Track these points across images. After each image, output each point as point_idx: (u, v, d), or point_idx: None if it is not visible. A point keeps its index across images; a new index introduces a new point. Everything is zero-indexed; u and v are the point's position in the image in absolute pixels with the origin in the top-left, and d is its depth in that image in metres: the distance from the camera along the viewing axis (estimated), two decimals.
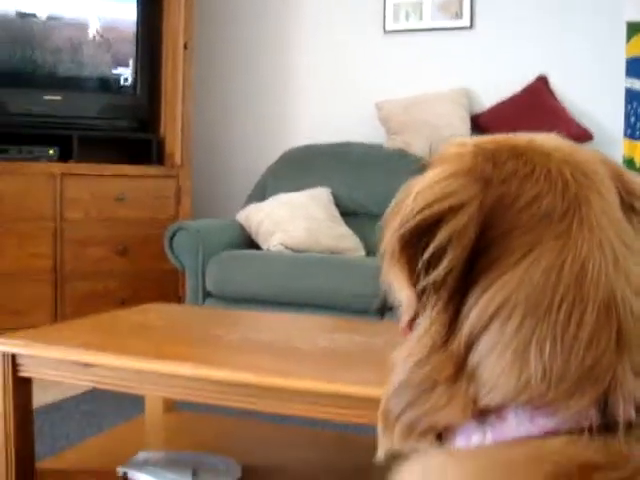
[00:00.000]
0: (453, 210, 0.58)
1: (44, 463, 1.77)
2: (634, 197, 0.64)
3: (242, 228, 3.60)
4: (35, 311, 3.56)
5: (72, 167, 3.65)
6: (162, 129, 3.93)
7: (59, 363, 1.58)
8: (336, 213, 3.64)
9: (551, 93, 3.67)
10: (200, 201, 4.25)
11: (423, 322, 0.61)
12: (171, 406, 2.14)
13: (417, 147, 3.72)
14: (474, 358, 0.57)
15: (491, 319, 0.57)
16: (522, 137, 0.65)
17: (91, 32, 3.75)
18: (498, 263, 0.58)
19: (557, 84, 3.68)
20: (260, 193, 3.88)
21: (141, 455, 1.74)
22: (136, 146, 3.94)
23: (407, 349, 0.62)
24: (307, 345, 1.72)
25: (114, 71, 3.83)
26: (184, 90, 3.88)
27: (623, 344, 0.56)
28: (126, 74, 3.85)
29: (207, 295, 3.33)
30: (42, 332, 1.79)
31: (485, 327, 0.57)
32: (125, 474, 1.66)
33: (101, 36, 3.77)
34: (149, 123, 3.96)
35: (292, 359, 1.58)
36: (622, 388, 0.55)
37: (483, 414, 0.57)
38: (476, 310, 0.58)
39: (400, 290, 0.62)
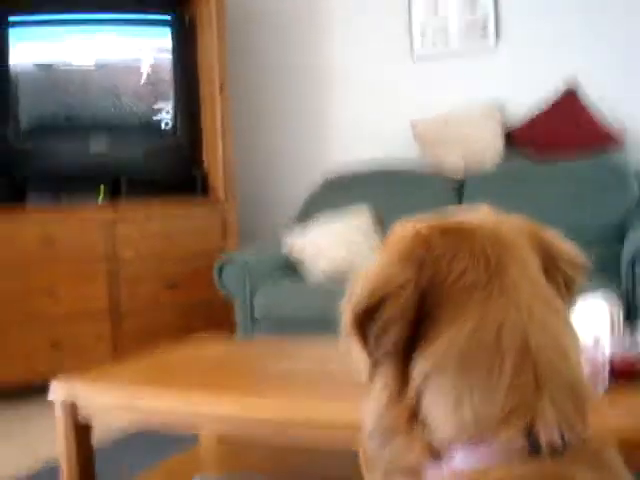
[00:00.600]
0: (392, 294, 0.70)
1: None
2: (557, 258, 0.77)
3: (287, 256, 3.72)
4: (96, 349, 3.74)
5: (122, 209, 3.84)
6: (205, 166, 4.10)
7: (114, 408, 1.71)
8: (376, 235, 3.74)
9: (581, 101, 3.71)
10: (247, 231, 4.39)
11: (381, 381, 0.73)
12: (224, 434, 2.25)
13: (451, 164, 3.80)
14: (423, 408, 0.70)
15: (430, 376, 0.69)
16: (454, 219, 0.77)
17: (132, 78, 3.94)
18: (434, 329, 0.70)
19: (587, 92, 3.72)
20: (303, 220, 4.00)
21: None
22: (181, 184, 4.11)
23: (371, 403, 0.74)
24: (348, 374, 1.81)
25: (155, 114, 4.02)
26: (223, 128, 4.04)
27: (542, 383, 0.67)
28: (167, 116, 4.03)
29: (256, 323, 3.46)
30: (97, 376, 1.91)
31: (426, 384, 0.69)
32: None
33: (141, 83, 3.96)
34: (192, 162, 4.13)
35: (333, 391, 1.66)
36: (543, 420, 0.66)
37: (438, 452, 0.69)
38: (418, 369, 0.70)
39: (359, 359, 0.73)
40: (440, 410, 0.68)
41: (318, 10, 4.38)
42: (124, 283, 3.80)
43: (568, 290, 0.79)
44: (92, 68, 3.87)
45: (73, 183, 3.84)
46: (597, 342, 1.55)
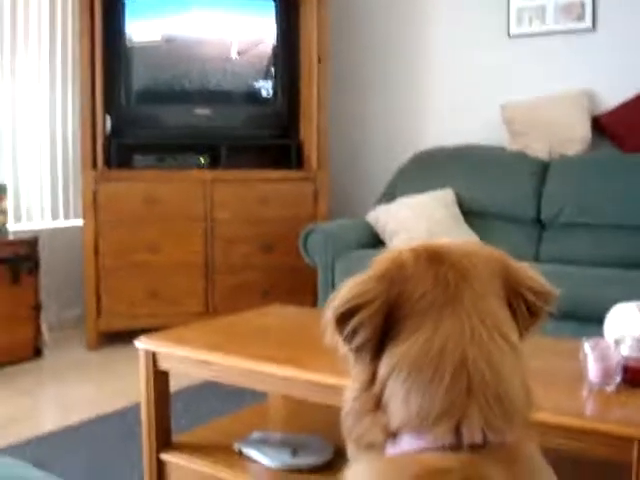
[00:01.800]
0: (363, 305, 0.89)
1: (180, 437, 2.18)
2: (520, 286, 0.92)
3: (372, 228, 3.91)
4: (190, 301, 4.08)
5: (221, 173, 4.12)
6: (301, 136, 4.32)
7: (185, 360, 1.98)
8: (458, 213, 3.87)
9: None
10: (337, 201, 4.61)
11: (356, 371, 0.92)
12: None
13: (537, 149, 3.87)
14: (385, 398, 0.88)
15: (390, 374, 0.88)
16: (436, 246, 0.93)
17: (235, 50, 4.18)
18: (399, 336, 0.89)
19: None
20: (390, 194, 4.17)
21: (255, 434, 2.11)
22: (277, 152, 4.35)
23: (349, 389, 0.93)
24: None
25: (256, 84, 4.25)
26: (319, 100, 4.23)
27: (472, 391, 0.84)
28: (267, 87, 4.26)
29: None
30: (176, 333, 2.18)
31: (387, 379, 0.88)
32: (240, 449, 2.04)
33: (245, 53, 4.20)
34: (289, 131, 4.36)
35: None
36: (469, 421, 0.83)
37: (393, 434, 0.87)
38: (383, 367, 0.89)
39: (340, 349, 0.92)
40: (395, 402, 0.86)
41: None
42: (218, 242, 4.09)
43: (533, 315, 0.94)
44: (200, 39, 4.13)
45: (177, 147, 4.14)
46: (617, 343, 1.68)
